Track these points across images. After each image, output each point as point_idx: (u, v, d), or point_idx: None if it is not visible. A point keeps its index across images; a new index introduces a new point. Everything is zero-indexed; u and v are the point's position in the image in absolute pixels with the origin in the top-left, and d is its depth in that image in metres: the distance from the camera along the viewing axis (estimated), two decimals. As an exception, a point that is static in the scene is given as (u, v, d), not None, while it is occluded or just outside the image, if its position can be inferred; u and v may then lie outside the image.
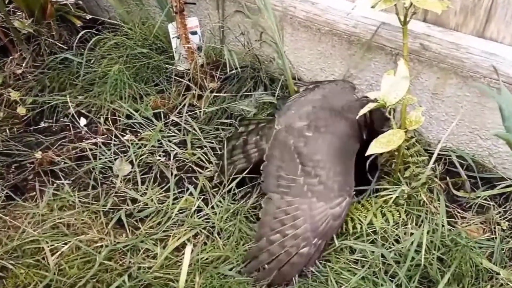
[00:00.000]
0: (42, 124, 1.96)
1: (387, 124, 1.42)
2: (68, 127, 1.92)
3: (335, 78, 1.83)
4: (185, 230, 1.47)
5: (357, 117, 1.35)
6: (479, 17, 1.45)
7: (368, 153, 1.25)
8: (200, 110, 1.90)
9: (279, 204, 1.42)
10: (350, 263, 1.40)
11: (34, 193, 1.63)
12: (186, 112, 1.90)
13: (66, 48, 2.21)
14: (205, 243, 1.45)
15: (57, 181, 1.67)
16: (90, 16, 2.32)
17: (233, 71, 1.95)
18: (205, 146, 1.78)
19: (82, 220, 1.50)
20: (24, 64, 2.16)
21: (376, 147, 1.23)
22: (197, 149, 1.78)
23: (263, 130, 1.66)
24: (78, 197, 1.59)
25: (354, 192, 1.44)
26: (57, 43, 2.22)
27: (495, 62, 1.41)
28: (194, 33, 2.00)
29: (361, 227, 1.46)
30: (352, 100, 1.58)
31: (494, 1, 1.40)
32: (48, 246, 1.38)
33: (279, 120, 1.61)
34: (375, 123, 1.49)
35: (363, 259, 1.40)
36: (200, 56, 2.02)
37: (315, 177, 1.42)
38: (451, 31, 1.51)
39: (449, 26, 1.52)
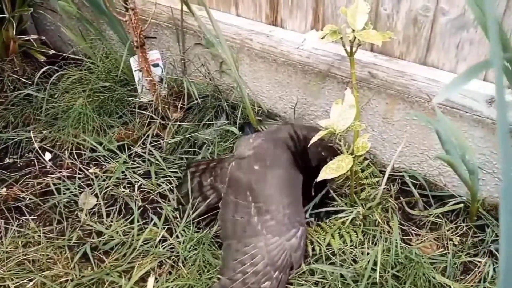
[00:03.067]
0: (6, 160, 1.97)
1: (322, 163, 1.47)
2: (33, 162, 1.93)
3: (293, 107, 1.91)
4: (150, 260, 1.50)
5: (309, 145, 1.43)
6: (420, 46, 1.55)
7: (318, 179, 1.32)
8: (164, 140, 1.95)
9: (237, 247, 1.47)
10: (310, 285, 1.45)
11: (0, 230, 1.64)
12: (150, 143, 1.95)
13: (30, 83, 2.23)
14: (170, 273, 1.49)
15: (22, 218, 1.69)
16: (54, 52, 2.36)
17: (195, 101, 2.01)
18: (170, 176, 1.82)
19: (47, 255, 1.51)
20: (-13, 101, 2.18)
21: (326, 173, 1.30)
22: (162, 178, 1.82)
23: (215, 170, 1.71)
24: (43, 233, 1.61)
25: (312, 219, 1.51)
26: (20, 78, 2.25)
27: (436, 88, 1.51)
28: (156, 65, 2.06)
29: (320, 249, 1.52)
30: (294, 132, 1.64)
31: (433, 31, 1.50)
32: (13, 284, 1.39)
33: (235, 151, 1.69)
34: (311, 159, 1.56)
35: (323, 280, 1.45)
36: (162, 88, 2.07)
37: (266, 213, 1.47)
38: (396, 59, 1.61)
39: (394, 55, 1.62)
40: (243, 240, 1.47)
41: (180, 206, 1.70)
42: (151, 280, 1.26)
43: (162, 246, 1.56)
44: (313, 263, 1.49)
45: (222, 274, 1.45)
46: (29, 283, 1.40)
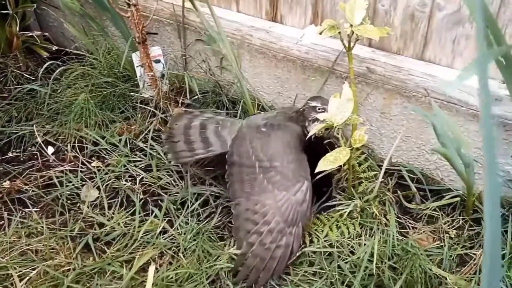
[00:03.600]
0: (9, 154, 2.00)
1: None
2: (35, 156, 1.96)
3: (292, 101, 1.93)
4: (151, 251, 1.53)
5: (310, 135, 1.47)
6: (417, 42, 1.58)
7: (317, 170, 1.35)
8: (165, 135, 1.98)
9: (247, 206, 1.51)
10: (308, 275, 1.47)
11: (2, 221, 1.66)
12: (152, 138, 1.97)
13: (33, 78, 2.26)
14: (171, 263, 1.51)
15: (25, 209, 1.71)
16: (56, 47, 2.39)
17: (196, 96, 2.04)
18: (170, 170, 1.85)
19: (50, 245, 1.54)
20: (-10, 96, 2.21)
21: (324, 164, 1.32)
22: (163, 172, 1.85)
23: (224, 122, 1.74)
24: (46, 224, 1.63)
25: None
26: (24, 74, 2.28)
27: (433, 83, 1.53)
28: (158, 61, 2.09)
29: (318, 241, 1.54)
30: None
31: (429, 27, 1.53)
32: (16, 272, 1.42)
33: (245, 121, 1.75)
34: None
35: (321, 271, 1.48)
36: (164, 83, 2.10)
37: (271, 169, 1.52)
38: (393, 55, 1.64)
39: (392, 51, 1.65)
40: (251, 197, 1.50)
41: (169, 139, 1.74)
42: (151, 269, 1.29)
43: (162, 237, 1.59)
44: (312, 254, 1.51)
45: (235, 234, 1.50)
46: (32, 272, 1.42)
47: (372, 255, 1.45)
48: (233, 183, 1.57)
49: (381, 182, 1.66)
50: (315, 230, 1.57)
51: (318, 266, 1.49)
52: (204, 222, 1.64)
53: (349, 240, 1.55)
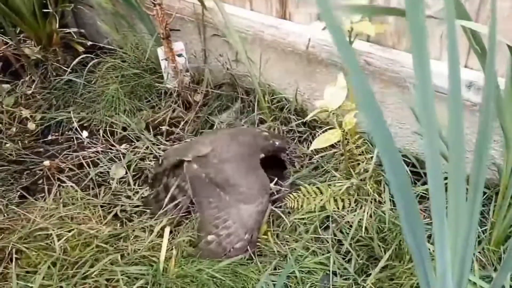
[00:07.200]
0: (49, 137, 2.26)
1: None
2: (72, 139, 2.22)
3: (296, 92, 2.13)
4: (170, 220, 1.75)
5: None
6: (409, 37, 1.74)
7: (311, 148, 1.54)
8: (187, 121, 2.21)
9: (213, 213, 1.70)
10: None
11: (43, 194, 1.92)
12: (173, 124, 2.20)
13: (70, 71, 2.52)
14: (187, 230, 1.73)
15: (63, 184, 1.97)
16: (91, 42, 2.65)
17: (214, 87, 2.25)
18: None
19: (84, 213, 1.78)
20: (33, 86, 2.48)
21: (318, 143, 1.52)
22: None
23: (178, 170, 1.85)
24: (80, 196, 1.88)
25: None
26: (62, 66, 2.54)
27: (422, 74, 1.70)
28: (180, 55, 2.31)
29: (315, 207, 1.71)
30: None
31: (420, 23, 1.69)
32: (55, 233, 1.66)
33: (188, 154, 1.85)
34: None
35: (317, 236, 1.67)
36: (185, 75, 2.32)
37: (238, 194, 1.69)
38: (388, 49, 1.80)
39: (387, 45, 1.81)
40: (217, 210, 1.70)
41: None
42: (167, 231, 1.51)
43: (180, 208, 1.81)
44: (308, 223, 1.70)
45: (198, 238, 1.68)
46: (68, 233, 1.66)
47: (366, 229, 1.63)
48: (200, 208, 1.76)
49: (378, 164, 1.84)
50: (313, 198, 1.75)
51: (315, 233, 1.67)
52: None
53: (344, 213, 1.73)
